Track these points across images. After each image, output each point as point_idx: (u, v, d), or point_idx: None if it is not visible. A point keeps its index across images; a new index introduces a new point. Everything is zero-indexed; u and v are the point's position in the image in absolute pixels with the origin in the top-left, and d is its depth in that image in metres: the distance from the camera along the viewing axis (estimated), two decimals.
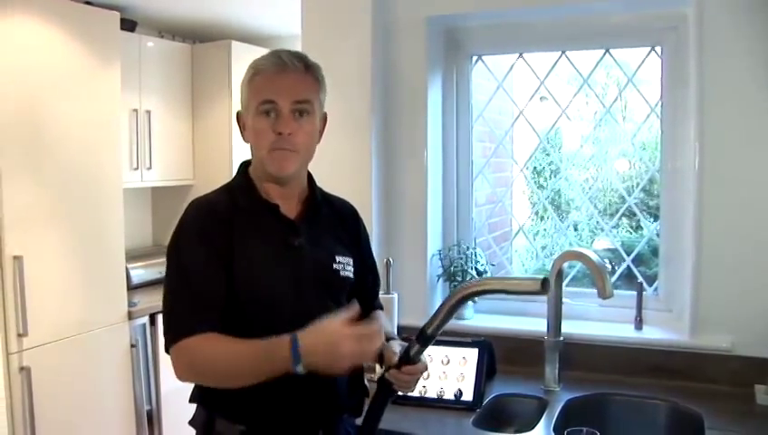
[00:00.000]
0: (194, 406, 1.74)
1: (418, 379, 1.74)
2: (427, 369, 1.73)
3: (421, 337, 1.65)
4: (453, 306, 1.63)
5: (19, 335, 3.22)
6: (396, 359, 1.68)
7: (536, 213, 4.43)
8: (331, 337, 1.48)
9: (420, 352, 1.66)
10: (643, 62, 2.68)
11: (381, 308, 2.01)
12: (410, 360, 1.66)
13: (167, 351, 1.64)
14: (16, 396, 3.21)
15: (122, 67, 3.84)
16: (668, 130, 2.61)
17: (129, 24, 4.25)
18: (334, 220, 1.84)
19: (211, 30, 4.80)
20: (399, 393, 1.79)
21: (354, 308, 1.54)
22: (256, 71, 1.68)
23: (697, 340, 2.41)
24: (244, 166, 1.79)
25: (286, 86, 1.66)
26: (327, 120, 1.79)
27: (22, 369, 3.23)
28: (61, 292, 3.48)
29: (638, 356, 2.46)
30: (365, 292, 1.91)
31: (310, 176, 1.82)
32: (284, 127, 1.64)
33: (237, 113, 1.76)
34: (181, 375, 1.63)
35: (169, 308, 1.65)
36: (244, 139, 1.74)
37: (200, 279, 1.62)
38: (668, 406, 2.25)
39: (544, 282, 1.50)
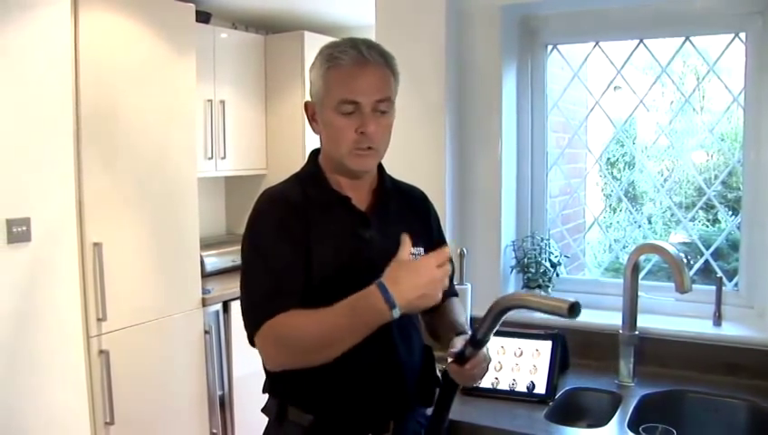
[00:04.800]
0: (265, 394, 1.76)
1: (483, 371, 1.68)
2: (487, 359, 1.68)
3: (473, 341, 1.63)
4: (498, 314, 1.60)
5: (98, 320, 3.32)
6: (454, 357, 1.65)
7: (609, 205, 4.35)
8: (409, 265, 1.48)
9: (474, 353, 1.64)
10: (726, 49, 2.59)
11: (456, 295, 1.99)
12: (466, 359, 1.64)
13: (251, 343, 1.61)
14: (96, 378, 3.31)
15: (197, 58, 3.91)
16: (751, 121, 2.51)
17: (203, 16, 4.32)
18: (405, 209, 1.82)
19: (283, 21, 4.85)
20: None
21: (406, 240, 1.53)
22: (333, 62, 1.62)
23: None
24: (314, 155, 1.77)
25: (368, 84, 1.61)
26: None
27: (101, 352, 3.33)
28: (138, 278, 3.57)
29: (717, 353, 2.37)
30: None
31: (379, 165, 1.80)
32: (368, 127, 1.61)
33: (306, 103, 1.72)
34: (273, 358, 1.60)
35: (250, 299, 1.63)
36: (314, 130, 1.70)
37: (281, 267, 1.59)
38: (748, 406, 2.17)
39: (573, 306, 1.48)
